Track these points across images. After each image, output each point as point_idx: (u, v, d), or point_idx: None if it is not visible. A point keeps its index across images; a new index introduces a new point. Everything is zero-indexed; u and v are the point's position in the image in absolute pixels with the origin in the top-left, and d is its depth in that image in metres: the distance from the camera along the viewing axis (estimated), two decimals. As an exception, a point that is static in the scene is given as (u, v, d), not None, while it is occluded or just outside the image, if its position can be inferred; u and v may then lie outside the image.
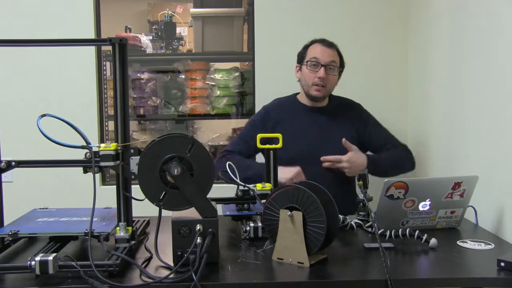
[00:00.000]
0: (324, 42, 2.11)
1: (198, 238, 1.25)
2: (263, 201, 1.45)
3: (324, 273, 1.29)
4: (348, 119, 2.16)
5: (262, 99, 2.63)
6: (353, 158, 1.97)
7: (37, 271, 1.17)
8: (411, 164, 2.16)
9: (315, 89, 2.07)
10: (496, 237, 1.59)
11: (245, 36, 2.83)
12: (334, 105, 2.19)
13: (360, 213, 1.72)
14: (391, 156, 2.10)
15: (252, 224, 1.53)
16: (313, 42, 2.14)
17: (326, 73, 2.05)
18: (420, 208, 1.59)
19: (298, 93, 2.23)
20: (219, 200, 1.64)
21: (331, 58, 2.07)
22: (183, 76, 2.77)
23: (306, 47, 2.14)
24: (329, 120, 2.12)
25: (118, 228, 1.35)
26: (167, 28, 2.96)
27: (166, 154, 1.28)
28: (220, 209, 1.64)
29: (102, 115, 2.65)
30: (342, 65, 2.14)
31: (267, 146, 1.63)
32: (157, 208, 1.31)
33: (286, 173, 1.84)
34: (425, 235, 1.47)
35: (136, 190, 1.35)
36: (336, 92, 2.70)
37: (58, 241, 1.40)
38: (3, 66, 2.53)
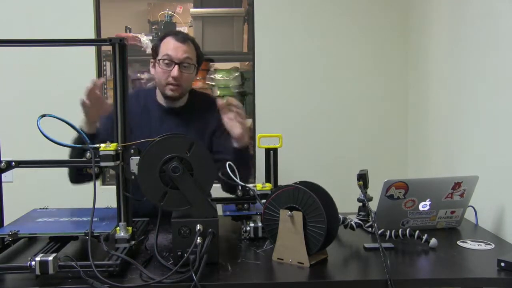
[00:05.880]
0: (177, 36, 1.90)
1: (198, 238, 1.25)
2: (263, 201, 1.45)
3: (324, 273, 1.29)
4: (204, 120, 1.97)
5: (262, 99, 2.64)
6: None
7: (37, 271, 1.17)
8: None
9: (169, 88, 1.88)
10: (496, 237, 1.59)
11: (245, 36, 2.83)
12: (192, 105, 1.99)
13: (360, 213, 1.72)
14: None
15: (252, 224, 1.52)
16: (166, 35, 1.93)
17: (180, 71, 1.86)
18: (420, 208, 1.59)
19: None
20: (219, 200, 1.64)
21: (186, 54, 1.87)
22: (183, 76, 2.77)
23: (159, 41, 1.93)
24: (183, 123, 1.94)
25: (118, 228, 1.35)
26: (167, 28, 2.95)
27: (166, 154, 1.28)
28: (220, 209, 1.64)
29: (102, 115, 2.65)
30: (199, 60, 1.96)
31: (267, 146, 1.63)
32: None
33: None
34: (425, 235, 1.47)
35: (136, 190, 1.35)
36: (335, 91, 2.71)
37: (58, 241, 1.40)
38: (3, 66, 2.53)
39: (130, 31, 3.05)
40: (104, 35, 2.59)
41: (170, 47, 1.88)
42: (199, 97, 2.06)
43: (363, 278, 1.29)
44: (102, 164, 1.31)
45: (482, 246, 1.47)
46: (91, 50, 2.59)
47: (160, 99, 1.98)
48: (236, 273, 1.27)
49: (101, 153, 1.31)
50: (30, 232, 1.35)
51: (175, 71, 1.86)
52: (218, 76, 2.76)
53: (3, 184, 1.42)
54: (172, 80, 1.87)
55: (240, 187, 1.59)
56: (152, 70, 1.97)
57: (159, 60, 1.89)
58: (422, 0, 2.41)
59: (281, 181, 1.59)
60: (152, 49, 1.97)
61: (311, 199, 1.31)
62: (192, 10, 2.86)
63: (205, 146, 1.89)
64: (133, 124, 1.68)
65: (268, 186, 1.59)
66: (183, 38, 1.91)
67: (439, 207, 1.61)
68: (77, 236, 1.45)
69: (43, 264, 1.16)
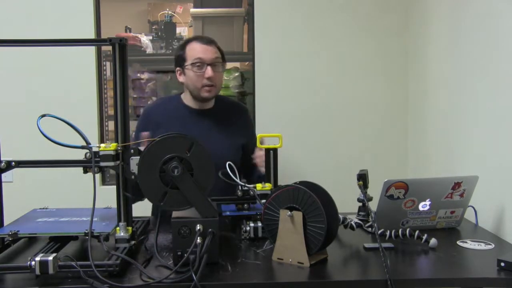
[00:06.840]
0: (202, 40, 1.98)
1: (198, 238, 1.25)
2: (263, 201, 1.45)
3: (324, 273, 1.29)
4: (234, 124, 2.05)
5: (262, 99, 2.64)
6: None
7: (37, 271, 1.17)
8: None
9: (205, 90, 1.93)
10: (496, 237, 1.59)
11: (245, 36, 2.83)
12: (220, 107, 2.06)
13: (360, 213, 1.72)
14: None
15: (252, 224, 1.53)
16: (189, 41, 2.00)
17: (213, 71, 1.92)
18: (420, 208, 1.59)
19: (182, 93, 2.07)
20: (219, 200, 1.64)
21: (215, 54, 1.95)
22: (183, 76, 2.77)
23: (183, 48, 1.98)
24: (214, 123, 2.00)
25: (118, 228, 1.35)
26: (167, 28, 2.96)
27: (166, 154, 1.28)
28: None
29: (102, 115, 2.65)
30: (223, 59, 2.01)
31: (267, 146, 1.63)
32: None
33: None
34: (425, 235, 1.47)
35: (136, 190, 1.35)
36: (335, 91, 2.71)
37: (58, 241, 1.40)
38: (3, 66, 2.52)
39: (130, 31, 3.05)
40: (104, 35, 2.59)
41: (199, 50, 1.94)
42: (226, 101, 2.13)
43: (363, 278, 1.29)
44: (102, 164, 1.32)
45: (482, 246, 1.47)
46: (91, 50, 2.59)
47: (188, 101, 2.02)
48: (236, 273, 1.27)
49: (101, 153, 1.31)
50: (30, 232, 1.35)
51: (209, 71, 1.91)
52: (218, 76, 2.76)
53: (3, 184, 1.42)
54: (207, 81, 1.92)
55: (240, 187, 1.60)
56: (180, 78, 1.99)
57: (190, 64, 1.93)
58: (422, 0, 2.41)
59: (281, 181, 1.59)
60: (176, 58, 2.00)
61: (311, 199, 1.31)
62: (192, 10, 2.86)
63: (241, 145, 2.00)
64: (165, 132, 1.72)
65: (268, 186, 1.60)
66: (208, 40, 1.98)
67: (439, 207, 1.61)
68: (77, 236, 1.45)
69: (43, 264, 1.16)
